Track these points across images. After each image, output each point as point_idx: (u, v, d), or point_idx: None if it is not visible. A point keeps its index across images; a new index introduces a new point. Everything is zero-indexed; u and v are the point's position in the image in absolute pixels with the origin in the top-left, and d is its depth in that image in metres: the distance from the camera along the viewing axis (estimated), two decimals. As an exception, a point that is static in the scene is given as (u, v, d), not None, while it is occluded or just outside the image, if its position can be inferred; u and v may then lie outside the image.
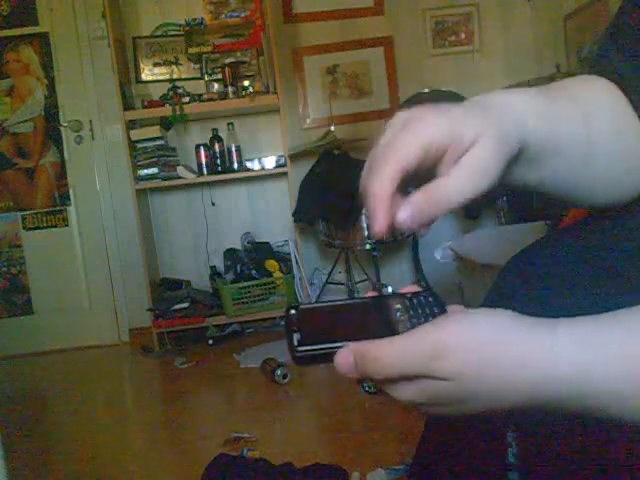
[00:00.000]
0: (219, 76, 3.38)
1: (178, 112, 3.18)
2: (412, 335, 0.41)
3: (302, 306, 0.45)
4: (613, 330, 0.40)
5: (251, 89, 3.25)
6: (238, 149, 3.35)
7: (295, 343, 0.42)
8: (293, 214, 3.24)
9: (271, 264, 3.27)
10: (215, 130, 3.34)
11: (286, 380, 2.40)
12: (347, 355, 0.42)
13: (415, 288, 0.47)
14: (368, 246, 3.04)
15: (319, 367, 2.63)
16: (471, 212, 3.12)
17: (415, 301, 0.45)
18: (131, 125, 3.25)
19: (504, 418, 0.52)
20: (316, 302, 0.48)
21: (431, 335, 0.40)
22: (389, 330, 0.43)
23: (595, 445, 0.48)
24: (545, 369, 0.39)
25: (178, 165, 3.29)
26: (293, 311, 0.44)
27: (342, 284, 3.40)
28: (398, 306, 0.45)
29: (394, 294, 0.47)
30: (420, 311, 0.45)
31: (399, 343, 0.41)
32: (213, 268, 3.46)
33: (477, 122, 0.44)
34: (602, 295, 0.50)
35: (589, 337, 0.39)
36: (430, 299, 0.46)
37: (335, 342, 0.42)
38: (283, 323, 0.44)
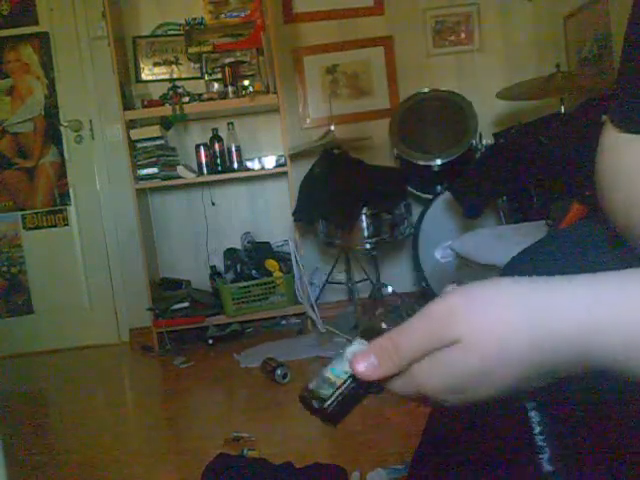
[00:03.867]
0: (219, 76, 3.38)
1: (178, 112, 3.18)
2: (421, 312, 0.40)
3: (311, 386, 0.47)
4: (628, 285, 0.38)
5: (251, 89, 3.25)
6: (238, 149, 3.35)
7: (317, 406, 0.45)
8: (293, 214, 3.24)
9: (271, 264, 3.27)
10: (215, 130, 3.34)
11: (286, 380, 2.40)
12: (366, 356, 0.41)
13: None
14: (368, 246, 3.04)
15: (318, 367, 2.63)
16: (471, 211, 3.11)
17: None
18: (131, 125, 3.25)
19: (528, 397, 0.50)
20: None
21: (437, 305, 0.40)
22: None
23: (623, 417, 0.47)
24: (565, 324, 0.38)
25: (178, 165, 3.29)
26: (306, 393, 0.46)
27: (342, 284, 3.40)
28: None
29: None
30: None
31: (409, 323, 0.40)
32: (213, 268, 3.46)
33: None
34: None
35: (607, 294, 0.38)
36: None
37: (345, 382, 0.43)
38: (300, 401, 0.46)
